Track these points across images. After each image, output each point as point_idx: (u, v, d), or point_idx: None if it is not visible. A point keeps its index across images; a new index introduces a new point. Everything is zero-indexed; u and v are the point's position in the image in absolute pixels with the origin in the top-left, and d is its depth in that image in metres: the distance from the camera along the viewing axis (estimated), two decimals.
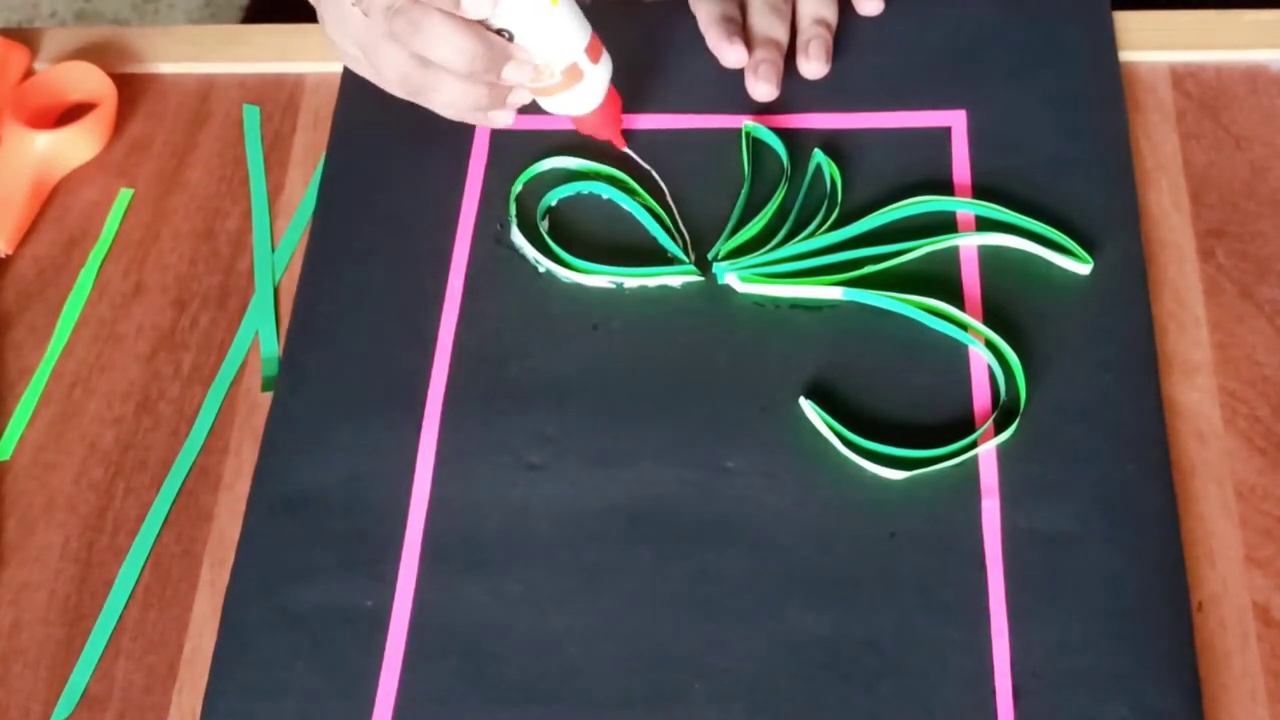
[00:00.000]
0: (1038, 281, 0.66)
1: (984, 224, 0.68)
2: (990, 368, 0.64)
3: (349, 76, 0.74)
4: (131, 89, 0.78)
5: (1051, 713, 0.57)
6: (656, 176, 0.71)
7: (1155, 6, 0.75)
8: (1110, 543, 0.60)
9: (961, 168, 0.70)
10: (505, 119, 0.66)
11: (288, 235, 0.73)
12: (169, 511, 0.65)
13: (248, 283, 0.71)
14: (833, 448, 0.63)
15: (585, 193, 0.71)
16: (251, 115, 0.77)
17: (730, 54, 0.72)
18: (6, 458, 0.67)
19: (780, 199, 0.69)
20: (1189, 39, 0.74)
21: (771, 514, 0.61)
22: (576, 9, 0.64)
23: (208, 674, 0.60)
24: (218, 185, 0.75)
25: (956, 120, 0.71)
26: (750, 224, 0.69)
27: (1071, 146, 0.70)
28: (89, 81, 0.77)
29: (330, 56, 0.72)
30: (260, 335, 0.69)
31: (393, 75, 0.64)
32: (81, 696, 0.61)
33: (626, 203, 0.70)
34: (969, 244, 0.68)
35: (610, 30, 0.66)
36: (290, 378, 0.67)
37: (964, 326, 0.65)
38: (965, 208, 0.69)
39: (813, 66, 0.72)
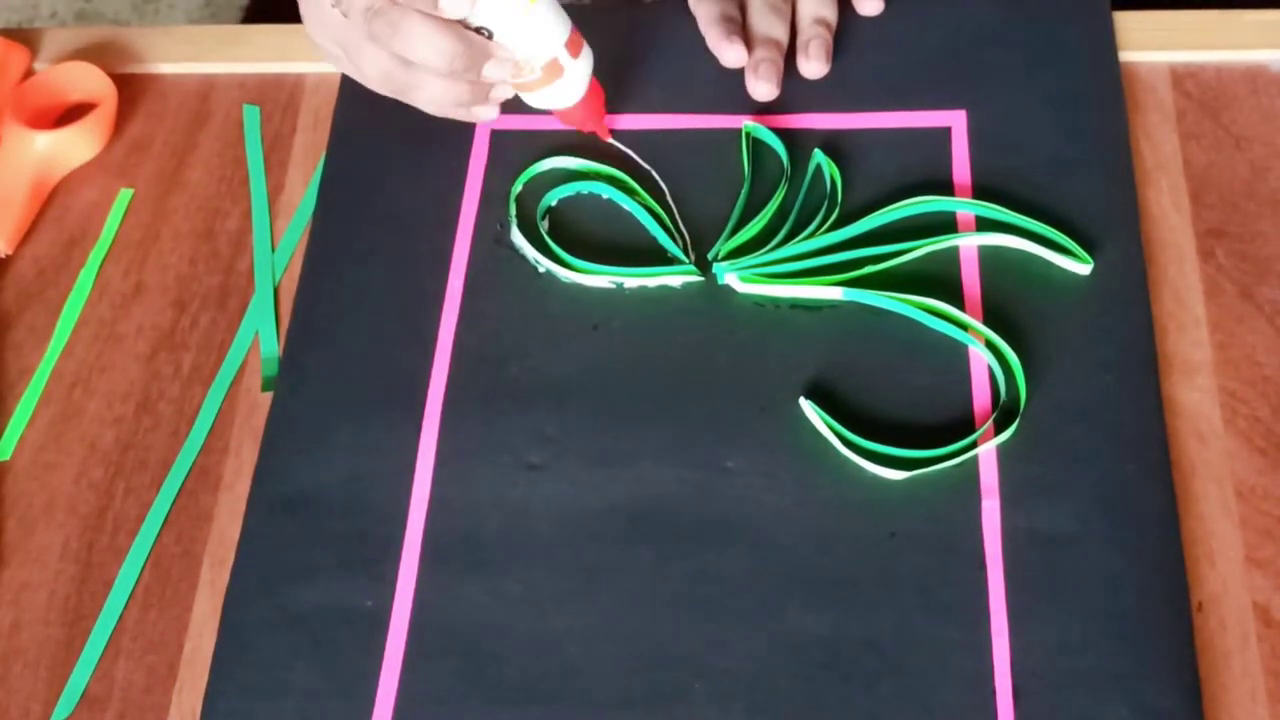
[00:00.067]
0: (1038, 281, 0.66)
1: (984, 224, 0.68)
2: (990, 368, 0.64)
3: (349, 77, 0.74)
4: (131, 89, 0.78)
5: (1051, 713, 0.57)
6: (656, 176, 0.71)
7: (1155, 6, 0.76)
8: (1110, 543, 0.60)
9: (961, 168, 0.70)
10: (489, 114, 0.67)
11: (288, 235, 0.73)
12: (169, 511, 0.65)
13: (248, 283, 0.71)
14: (833, 448, 0.63)
15: (585, 193, 0.71)
16: (251, 115, 0.77)
17: (730, 54, 0.72)
18: (6, 458, 0.67)
19: (780, 199, 0.69)
20: (1189, 39, 0.74)
21: (771, 514, 0.61)
22: (556, 5, 0.64)
23: (208, 674, 0.60)
24: (218, 185, 0.75)
25: (956, 120, 0.71)
26: (750, 224, 0.69)
27: (1071, 146, 0.70)
28: (89, 82, 0.77)
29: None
30: (260, 335, 0.69)
31: (374, 74, 0.65)
32: (81, 696, 0.61)
33: (626, 203, 0.70)
34: (969, 244, 0.68)
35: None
36: (290, 378, 0.67)
37: (964, 326, 0.65)
38: (965, 208, 0.69)
39: (813, 66, 0.72)
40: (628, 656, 0.59)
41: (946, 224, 0.68)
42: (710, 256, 0.68)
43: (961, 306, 0.66)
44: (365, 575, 0.61)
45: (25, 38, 0.80)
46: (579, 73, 0.66)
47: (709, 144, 0.72)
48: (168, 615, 0.62)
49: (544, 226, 0.70)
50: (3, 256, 0.73)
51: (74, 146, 0.75)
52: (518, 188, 0.71)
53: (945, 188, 0.69)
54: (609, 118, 0.71)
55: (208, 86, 0.78)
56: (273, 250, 0.72)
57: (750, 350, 0.66)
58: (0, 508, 0.66)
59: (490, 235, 0.70)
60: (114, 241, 0.73)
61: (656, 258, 0.69)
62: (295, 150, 0.75)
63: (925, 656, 0.58)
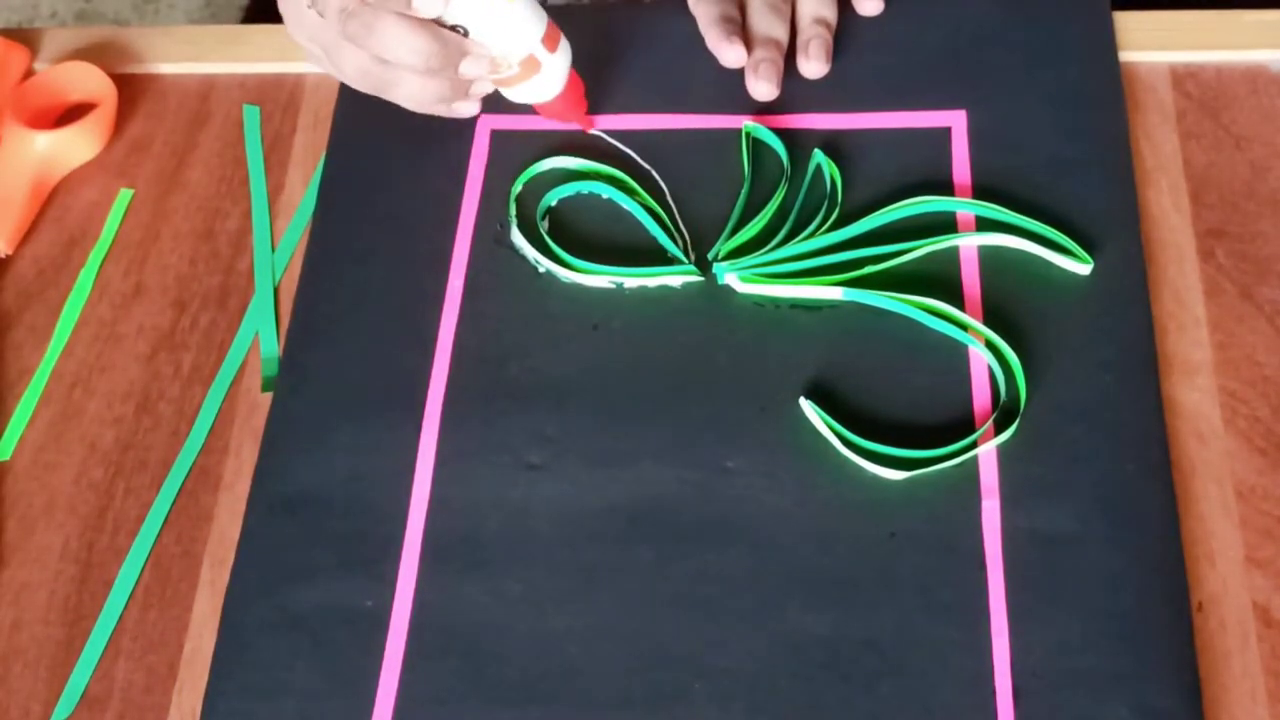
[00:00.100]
0: (1038, 281, 0.66)
1: (984, 224, 0.68)
2: (990, 368, 0.64)
3: None
4: (131, 89, 0.78)
5: (1051, 713, 0.56)
6: (657, 176, 0.71)
7: (1155, 6, 0.75)
8: (1110, 543, 0.60)
9: (961, 168, 0.70)
10: (470, 109, 0.68)
11: (288, 235, 0.73)
12: (169, 511, 0.65)
13: (248, 283, 0.71)
14: (832, 448, 0.63)
15: (585, 193, 0.71)
16: (251, 115, 0.77)
17: (730, 54, 0.72)
18: (6, 458, 0.67)
19: (780, 199, 0.69)
20: (1189, 39, 0.74)
21: (771, 514, 0.61)
22: (532, 1, 0.64)
23: (208, 674, 0.60)
24: (218, 185, 0.75)
25: (956, 120, 0.71)
26: (750, 224, 0.69)
27: (1071, 146, 0.70)
28: (89, 82, 0.77)
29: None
30: (260, 335, 0.69)
31: (353, 73, 0.65)
32: (81, 696, 0.61)
33: (626, 203, 0.70)
34: (969, 244, 0.68)
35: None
36: (290, 378, 0.67)
37: (964, 326, 0.65)
38: (965, 208, 0.69)
39: (813, 66, 0.72)
40: (628, 656, 0.59)
41: (946, 224, 0.68)
42: (710, 256, 0.68)
43: (961, 306, 0.66)
44: (365, 575, 0.61)
45: (25, 38, 0.80)
46: (557, 67, 0.66)
47: (709, 144, 0.72)
48: (168, 615, 0.62)
49: (544, 226, 0.70)
50: (3, 256, 0.73)
51: (74, 146, 0.75)
52: (518, 188, 0.71)
53: (945, 188, 0.69)
54: (599, 117, 0.71)
55: (208, 86, 0.78)
56: (273, 250, 0.72)
57: (750, 350, 0.66)
58: (0, 508, 0.66)
59: (490, 235, 0.70)
60: (114, 241, 0.73)
61: (656, 258, 0.69)
62: (295, 150, 0.75)
63: (925, 656, 0.58)
